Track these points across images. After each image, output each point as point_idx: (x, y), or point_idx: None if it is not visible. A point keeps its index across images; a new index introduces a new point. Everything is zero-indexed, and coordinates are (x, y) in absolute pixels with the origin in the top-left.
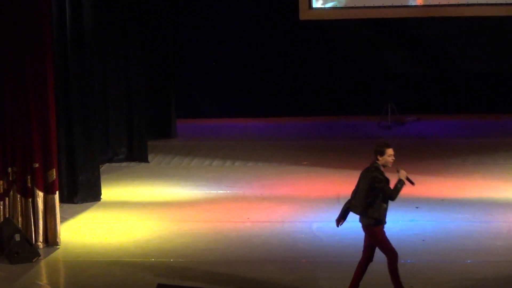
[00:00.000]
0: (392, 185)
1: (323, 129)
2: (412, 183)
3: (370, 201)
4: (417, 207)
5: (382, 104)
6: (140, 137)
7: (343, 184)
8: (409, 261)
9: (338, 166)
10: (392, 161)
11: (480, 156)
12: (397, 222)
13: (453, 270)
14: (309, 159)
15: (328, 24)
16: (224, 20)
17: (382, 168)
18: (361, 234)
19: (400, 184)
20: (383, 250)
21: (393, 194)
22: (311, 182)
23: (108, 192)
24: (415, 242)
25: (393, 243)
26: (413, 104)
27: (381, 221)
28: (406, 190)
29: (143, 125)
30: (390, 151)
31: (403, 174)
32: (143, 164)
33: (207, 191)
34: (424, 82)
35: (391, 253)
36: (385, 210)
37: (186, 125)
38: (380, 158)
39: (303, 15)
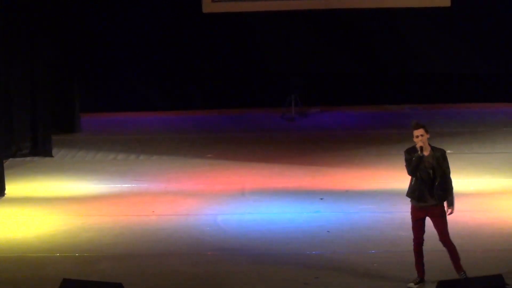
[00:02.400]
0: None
1: (227, 122)
2: (421, 152)
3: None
4: (321, 199)
5: (285, 96)
6: (44, 131)
7: (248, 176)
8: (314, 252)
9: (243, 159)
10: (420, 144)
11: (384, 146)
12: (302, 214)
13: (358, 260)
14: (214, 152)
15: (231, 17)
16: (128, 13)
17: (419, 151)
18: (266, 226)
19: (416, 157)
20: None
21: (407, 168)
22: (215, 175)
23: (12, 187)
24: (320, 233)
25: (298, 235)
26: (317, 96)
27: (411, 198)
28: (310, 182)
29: (47, 120)
30: (415, 132)
31: (418, 144)
32: (47, 159)
33: (112, 185)
34: (327, 74)
35: (413, 238)
36: (415, 185)
37: (90, 119)
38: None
39: (206, 8)
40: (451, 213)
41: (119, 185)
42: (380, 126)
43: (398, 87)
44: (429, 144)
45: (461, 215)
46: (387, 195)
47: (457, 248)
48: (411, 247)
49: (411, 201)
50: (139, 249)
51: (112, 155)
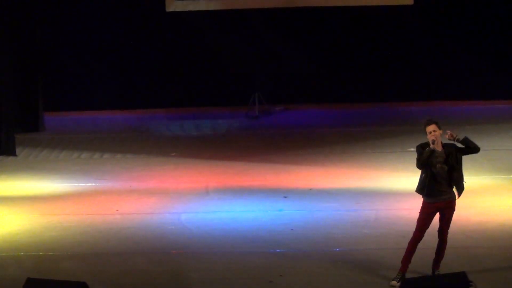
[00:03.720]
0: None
1: (191, 120)
2: (432, 143)
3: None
4: (285, 197)
5: (249, 95)
6: (8, 130)
7: (212, 175)
8: (278, 250)
9: (207, 157)
10: (432, 138)
11: (348, 145)
12: (266, 212)
13: (322, 259)
14: (178, 150)
15: (194, 15)
16: (91, 11)
17: (431, 144)
18: (230, 225)
19: (426, 152)
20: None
21: (417, 162)
22: (179, 174)
23: None
24: (284, 231)
25: (262, 233)
26: (281, 93)
27: (422, 194)
28: (274, 180)
29: (10, 119)
30: (428, 128)
31: (430, 138)
32: (10, 158)
33: (75, 184)
34: (291, 72)
35: (416, 231)
36: (425, 182)
37: (54, 118)
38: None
39: (169, 6)
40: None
41: (83, 184)
42: (344, 124)
43: (363, 84)
44: (442, 142)
45: None
46: (351, 193)
47: (422, 245)
48: (375, 245)
49: (422, 196)
50: (104, 248)
51: (76, 154)
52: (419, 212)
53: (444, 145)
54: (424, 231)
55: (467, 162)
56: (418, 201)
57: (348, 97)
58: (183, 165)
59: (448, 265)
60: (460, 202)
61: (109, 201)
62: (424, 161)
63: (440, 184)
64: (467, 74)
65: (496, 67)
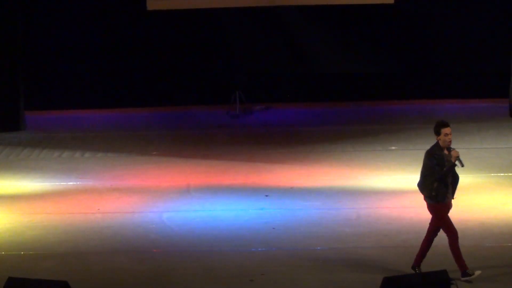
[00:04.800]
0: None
1: (172, 119)
2: (462, 164)
3: (424, 178)
4: (267, 196)
5: (230, 93)
6: None
7: (193, 173)
8: (260, 249)
9: (188, 156)
10: (448, 140)
11: (329, 143)
12: (248, 211)
13: (303, 257)
14: (159, 149)
15: (176, 14)
16: (72, 10)
17: (441, 148)
18: (211, 223)
19: (448, 165)
20: (443, 228)
21: (440, 175)
22: (161, 172)
23: None
24: (265, 230)
25: (244, 231)
26: (262, 92)
27: (437, 199)
28: (256, 179)
29: None
30: (445, 130)
31: (454, 154)
32: None
33: (57, 183)
34: (273, 71)
35: (450, 232)
36: (440, 188)
37: (35, 117)
38: (437, 138)
39: (151, 5)
40: None
41: (64, 183)
42: (325, 123)
43: (344, 83)
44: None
45: (406, 211)
46: (332, 192)
47: (403, 244)
48: (356, 244)
49: (439, 202)
50: (85, 247)
51: (57, 153)
52: (441, 217)
53: (447, 149)
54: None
55: None
56: (398, 200)
57: (330, 96)
58: (164, 164)
59: (429, 263)
60: None
61: (90, 200)
62: (446, 175)
63: (448, 188)
64: (448, 73)
65: (477, 66)
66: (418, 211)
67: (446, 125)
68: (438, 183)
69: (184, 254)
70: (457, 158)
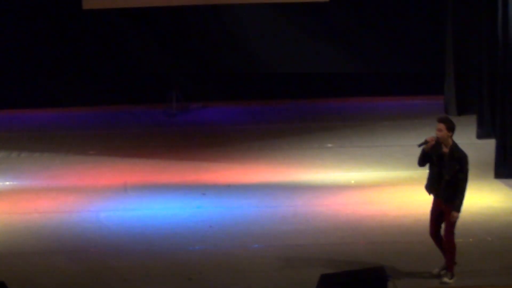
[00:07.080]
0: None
1: (109, 118)
2: (418, 144)
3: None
4: (203, 194)
5: (167, 92)
6: None
7: (130, 172)
8: (197, 247)
9: (125, 155)
10: (437, 134)
11: (266, 141)
12: (184, 209)
13: (240, 255)
14: (96, 148)
15: (112, 13)
16: (7, 8)
17: (440, 141)
18: (149, 222)
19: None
20: None
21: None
22: (98, 172)
23: None
24: (202, 228)
25: (181, 230)
26: (198, 91)
27: (427, 190)
28: (193, 177)
29: None
30: (437, 125)
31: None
32: None
33: None
34: (209, 69)
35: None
36: (431, 179)
37: None
38: None
39: (86, 4)
40: (452, 217)
41: (1, 183)
42: (262, 120)
43: (280, 83)
44: (454, 145)
45: (343, 208)
46: (269, 189)
47: (340, 241)
48: (293, 241)
49: (428, 192)
50: (22, 247)
51: None
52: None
53: (453, 148)
54: (432, 229)
55: (385, 157)
56: (335, 197)
57: (267, 94)
58: (101, 163)
59: (366, 260)
60: (377, 197)
61: (27, 200)
62: (418, 159)
63: (434, 183)
64: (383, 70)
65: (412, 63)
66: (356, 208)
67: (439, 120)
68: (431, 175)
69: (121, 253)
70: (425, 140)
